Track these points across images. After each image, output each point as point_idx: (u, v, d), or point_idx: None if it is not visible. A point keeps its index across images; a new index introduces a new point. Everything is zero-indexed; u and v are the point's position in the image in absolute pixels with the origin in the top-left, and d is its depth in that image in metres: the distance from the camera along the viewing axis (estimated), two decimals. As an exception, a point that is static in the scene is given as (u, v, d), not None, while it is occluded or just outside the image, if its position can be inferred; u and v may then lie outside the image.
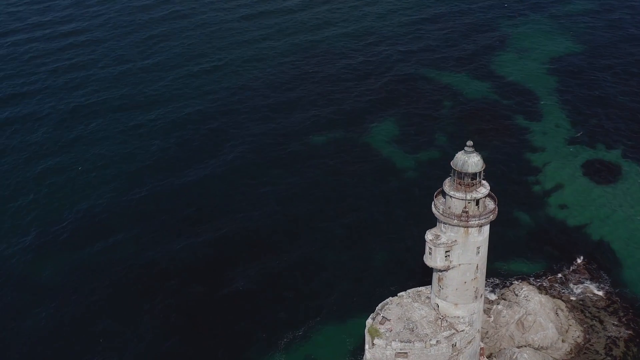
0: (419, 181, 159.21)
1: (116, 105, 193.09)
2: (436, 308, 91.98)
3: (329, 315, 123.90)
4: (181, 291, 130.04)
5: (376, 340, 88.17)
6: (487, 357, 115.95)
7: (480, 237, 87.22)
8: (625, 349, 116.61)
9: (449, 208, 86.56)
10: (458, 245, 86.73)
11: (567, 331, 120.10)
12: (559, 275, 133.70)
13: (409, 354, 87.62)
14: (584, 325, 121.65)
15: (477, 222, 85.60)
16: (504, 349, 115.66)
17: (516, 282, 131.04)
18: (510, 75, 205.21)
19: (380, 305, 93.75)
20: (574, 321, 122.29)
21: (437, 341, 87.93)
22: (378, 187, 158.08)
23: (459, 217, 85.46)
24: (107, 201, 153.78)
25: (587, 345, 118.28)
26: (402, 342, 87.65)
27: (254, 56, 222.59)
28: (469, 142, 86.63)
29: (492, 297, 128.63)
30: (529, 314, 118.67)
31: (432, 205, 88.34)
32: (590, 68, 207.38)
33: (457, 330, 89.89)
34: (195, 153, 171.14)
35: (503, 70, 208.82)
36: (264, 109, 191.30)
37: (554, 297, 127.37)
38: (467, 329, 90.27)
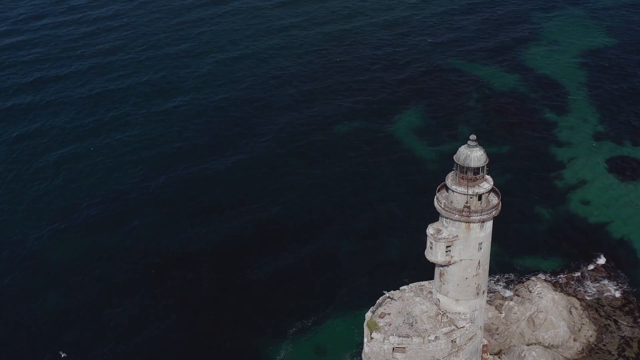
0: (440, 175, 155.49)
1: (141, 91, 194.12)
2: (437, 303, 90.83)
3: (339, 307, 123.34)
4: (193, 279, 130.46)
5: (374, 334, 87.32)
6: (496, 354, 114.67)
7: (482, 233, 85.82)
8: (638, 350, 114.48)
9: (451, 202, 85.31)
10: (459, 240, 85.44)
11: (579, 330, 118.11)
12: (577, 273, 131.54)
13: (407, 349, 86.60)
14: (598, 325, 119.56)
15: (478, 217, 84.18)
16: (514, 346, 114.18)
17: (533, 278, 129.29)
18: (540, 69, 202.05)
19: (381, 298, 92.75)
20: (588, 320, 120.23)
21: (435, 337, 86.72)
22: (398, 180, 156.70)
23: (460, 211, 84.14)
24: (126, 187, 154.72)
25: (600, 345, 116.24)
26: (400, 336, 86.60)
27: (283, 45, 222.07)
28: (472, 136, 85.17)
29: (507, 293, 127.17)
30: (540, 312, 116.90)
31: (435, 199, 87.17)
32: (623, 63, 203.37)
33: (457, 327, 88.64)
34: (217, 141, 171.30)
35: (533, 63, 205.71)
36: (289, 98, 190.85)
37: (568, 294, 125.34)
38: (467, 325, 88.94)
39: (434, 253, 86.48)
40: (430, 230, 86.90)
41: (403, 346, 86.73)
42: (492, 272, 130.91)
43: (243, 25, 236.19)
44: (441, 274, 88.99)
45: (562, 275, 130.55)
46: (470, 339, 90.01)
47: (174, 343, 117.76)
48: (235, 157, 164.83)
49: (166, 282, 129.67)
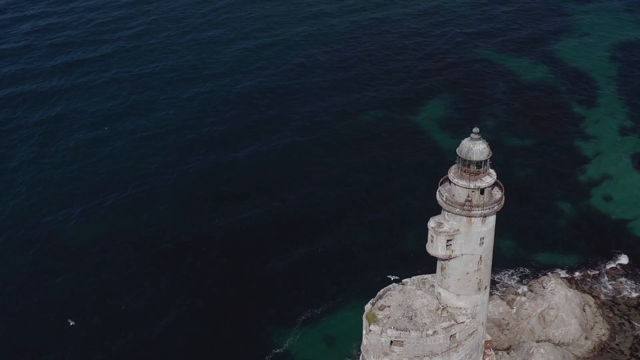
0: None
1: (169, 77, 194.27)
2: (438, 297, 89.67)
3: (349, 298, 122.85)
4: (206, 266, 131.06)
5: (372, 327, 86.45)
6: (505, 350, 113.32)
7: (484, 228, 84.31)
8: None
9: (453, 196, 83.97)
10: (460, 234, 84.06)
11: (592, 328, 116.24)
12: (594, 270, 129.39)
13: (404, 342, 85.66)
14: (612, 324, 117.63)
15: (480, 211, 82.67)
16: (523, 342, 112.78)
17: (548, 274, 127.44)
18: (571, 61, 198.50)
19: (382, 290, 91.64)
20: (601, 318, 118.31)
21: (434, 331, 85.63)
22: (418, 173, 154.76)
23: (461, 205, 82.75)
24: (145, 172, 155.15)
25: (612, 344, 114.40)
26: (398, 330, 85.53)
27: (311, 32, 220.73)
28: (475, 129, 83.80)
29: (521, 288, 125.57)
30: (552, 308, 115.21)
31: (437, 192, 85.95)
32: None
33: (456, 322, 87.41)
34: (238, 129, 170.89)
35: (564, 55, 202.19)
36: (315, 87, 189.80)
37: (583, 292, 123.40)
38: (467, 321, 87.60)
39: (435, 246, 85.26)
40: (431, 223, 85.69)
41: (401, 340, 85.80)
42: (507, 266, 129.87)
43: (273, 11, 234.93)
44: (442, 268, 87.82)
45: (578, 273, 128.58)
46: (471, 334, 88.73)
47: (184, 328, 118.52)
48: (256, 145, 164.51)
49: (180, 269, 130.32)
